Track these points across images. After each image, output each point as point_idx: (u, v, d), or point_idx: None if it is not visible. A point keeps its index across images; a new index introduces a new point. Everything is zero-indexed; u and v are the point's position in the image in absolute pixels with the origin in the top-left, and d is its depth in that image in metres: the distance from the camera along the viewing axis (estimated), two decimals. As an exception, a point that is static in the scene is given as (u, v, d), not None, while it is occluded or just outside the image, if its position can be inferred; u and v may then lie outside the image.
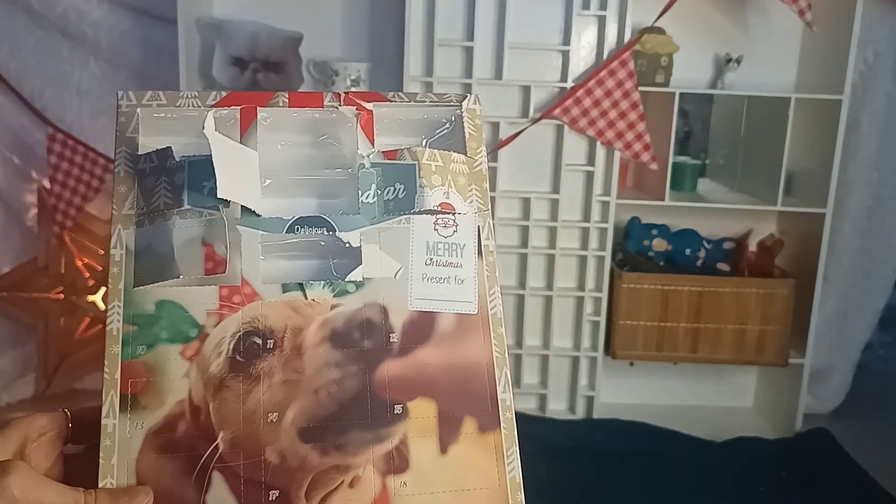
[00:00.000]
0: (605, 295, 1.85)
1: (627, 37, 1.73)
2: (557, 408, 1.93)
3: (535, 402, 1.93)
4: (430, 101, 0.57)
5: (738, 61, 1.79)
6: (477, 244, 0.54)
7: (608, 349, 1.87)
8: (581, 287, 1.87)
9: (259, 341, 0.49)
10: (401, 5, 1.71)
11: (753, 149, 1.90)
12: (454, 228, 0.53)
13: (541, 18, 1.74)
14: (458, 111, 0.57)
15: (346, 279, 0.51)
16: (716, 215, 1.90)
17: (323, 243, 0.52)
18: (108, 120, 1.90)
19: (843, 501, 1.61)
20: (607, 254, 1.83)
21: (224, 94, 0.53)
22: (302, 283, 0.51)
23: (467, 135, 0.56)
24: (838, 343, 1.96)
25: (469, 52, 1.75)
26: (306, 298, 0.50)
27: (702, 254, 1.90)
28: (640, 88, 1.73)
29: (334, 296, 0.51)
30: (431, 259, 0.53)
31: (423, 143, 0.57)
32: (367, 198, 0.53)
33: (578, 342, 1.89)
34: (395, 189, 0.53)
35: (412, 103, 0.56)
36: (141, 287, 0.49)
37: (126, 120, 0.53)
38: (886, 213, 1.89)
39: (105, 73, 1.87)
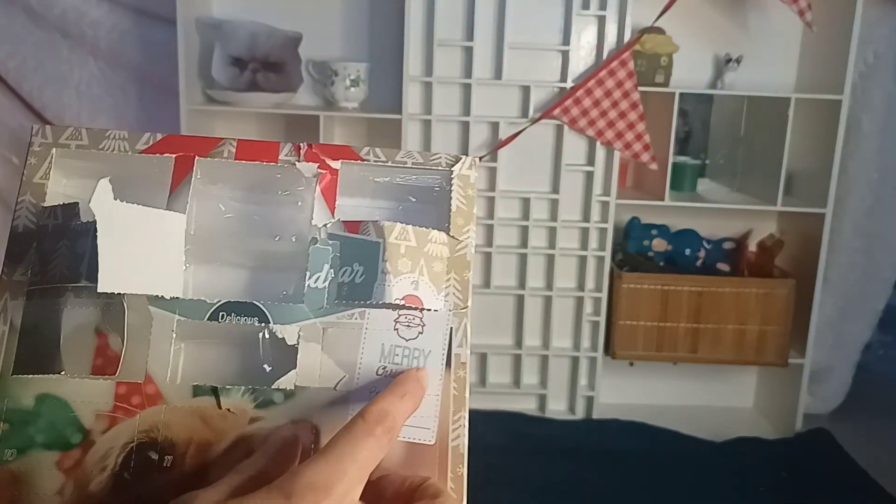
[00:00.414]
0: (604, 295, 1.85)
1: (627, 37, 1.72)
2: (557, 408, 1.93)
3: (534, 403, 1.93)
4: (413, 163, 0.46)
5: (738, 61, 1.79)
6: (446, 352, 0.43)
7: (608, 349, 1.87)
8: (581, 287, 1.86)
9: (155, 457, 0.39)
10: (400, 5, 1.71)
11: (753, 149, 1.90)
12: (419, 329, 0.43)
13: (540, 18, 1.74)
14: (448, 177, 0.46)
15: (273, 386, 0.41)
16: (716, 215, 1.90)
17: (251, 337, 0.42)
18: (108, 120, 1.90)
19: (843, 501, 1.61)
20: (607, 254, 1.83)
21: (159, 137, 0.44)
22: (216, 388, 0.41)
23: (454, 208, 0.45)
24: (838, 343, 1.96)
25: (469, 52, 1.75)
26: (220, 407, 0.41)
27: (702, 254, 1.90)
28: (640, 88, 1.72)
29: (255, 406, 0.41)
30: (385, 368, 0.42)
31: (397, 213, 0.47)
32: (315, 281, 0.42)
33: (578, 342, 1.89)
34: (352, 271, 0.43)
35: (389, 164, 0.46)
36: (20, 376, 0.40)
37: (37, 161, 0.43)
38: (886, 213, 1.89)
39: (104, 72, 1.87)
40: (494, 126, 1.77)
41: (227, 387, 0.41)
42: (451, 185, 0.45)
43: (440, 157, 0.46)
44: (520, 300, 1.87)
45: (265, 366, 0.42)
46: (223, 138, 0.44)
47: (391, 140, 1.78)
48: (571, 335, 1.90)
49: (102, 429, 0.40)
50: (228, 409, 0.41)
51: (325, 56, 1.82)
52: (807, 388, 1.87)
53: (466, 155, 0.46)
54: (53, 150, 0.44)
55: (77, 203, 0.42)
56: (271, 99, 1.74)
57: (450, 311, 0.43)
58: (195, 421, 0.40)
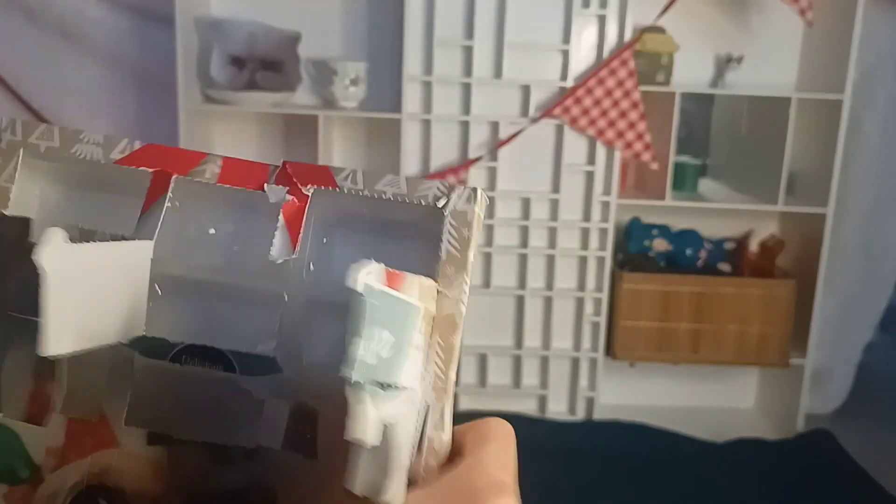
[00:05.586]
0: (605, 295, 1.84)
1: (628, 36, 1.72)
2: (558, 409, 1.92)
3: (535, 404, 1.92)
4: (395, 193, 0.36)
5: (739, 61, 1.78)
6: (418, 437, 0.33)
7: (609, 350, 1.86)
8: (581, 287, 1.86)
9: None
10: (400, 4, 1.70)
11: (754, 149, 1.89)
12: None
13: (541, 17, 1.74)
14: (439, 213, 0.36)
15: (232, 443, 0.36)
16: (717, 215, 1.89)
17: (215, 385, 0.37)
18: (107, 120, 1.89)
19: (844, 502, 1.60)
20: (608, 254, 1.83)
21: (137, 145, 0.38)
22: (171, 438, 0.37)
23: (444, 253, 0.35)
24: (839, 344, 1.96)
25: (468, 51, 1.74)
26: (173, 459, 0.37)
27: (703, 254, 1.89)
28: (641, 88, 1.72)
29: (211, 462, 0.37)
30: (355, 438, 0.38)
31: (373, 254, 0.37)
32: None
33: (579, 343, 1.88)
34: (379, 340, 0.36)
35: (365, 193, 0.36)
36: None
37: (3, 161, 0.38)
38: (887, 214, 1.88)
39: (103, 72, 1.87)
40: (494, 126, 1.77)
41: (183, 438, 0.37)
42: (444, 224, 0.35)
43: (430, 188, 0.36)
44: (520, 300, 1.87)
45: (227, 419, 0.37)
46: (207, 154, 0.38)
47: (390, 140, 1.77)
48: (572, 336, 1.89)
49: (52, 466, 0.37)
50: (182, 463, 0.37)
51: (324, 55, 1.82)
52: (808, 389, 1.86)
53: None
54: (21, 149, 0.38)
55: (28, 220, 0.36)
56: (270, 98, 1.74)
57: (427, 386, 0.34)
58: (147, 470, 0.37)
